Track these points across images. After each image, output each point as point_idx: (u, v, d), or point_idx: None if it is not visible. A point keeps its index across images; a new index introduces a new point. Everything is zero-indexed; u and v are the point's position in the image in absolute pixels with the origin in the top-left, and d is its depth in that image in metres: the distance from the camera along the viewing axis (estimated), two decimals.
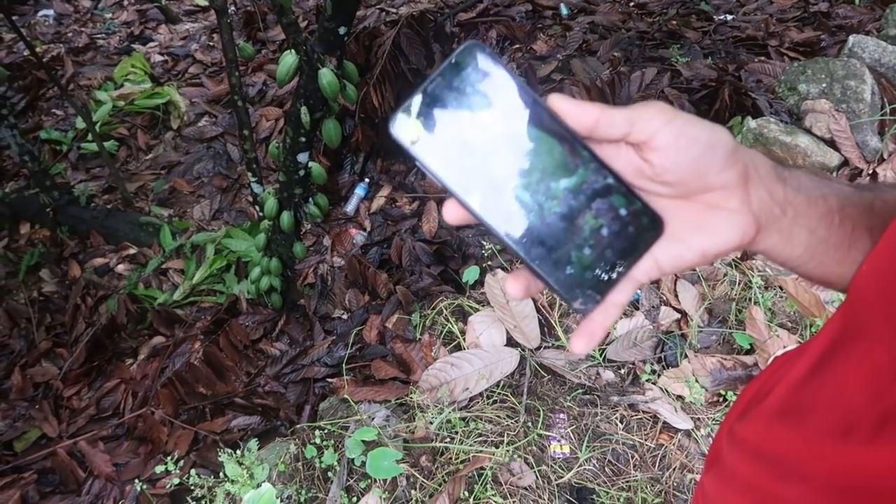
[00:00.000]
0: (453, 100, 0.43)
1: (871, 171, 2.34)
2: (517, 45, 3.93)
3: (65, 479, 2.37)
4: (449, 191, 0.43)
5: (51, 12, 5.01)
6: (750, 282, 2.02)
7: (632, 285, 0.47)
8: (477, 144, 0.43)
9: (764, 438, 0.52)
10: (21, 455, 2.46)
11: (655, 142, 0.43)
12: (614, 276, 0.45)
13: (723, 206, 0.46)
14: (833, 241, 0.49)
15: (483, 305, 2.04)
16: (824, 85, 2.56)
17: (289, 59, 2.10)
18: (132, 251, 3.33)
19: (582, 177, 0.44)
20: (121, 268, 3.27)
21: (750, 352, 1.89)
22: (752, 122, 2.43)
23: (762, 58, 3.46)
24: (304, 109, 2.20)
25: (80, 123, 3.82)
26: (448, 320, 2.03)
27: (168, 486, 1.83)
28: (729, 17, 3.96)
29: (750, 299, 1.99)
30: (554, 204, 0.44)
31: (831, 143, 2.40)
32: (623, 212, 0.45)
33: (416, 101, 0.43)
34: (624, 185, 0.45)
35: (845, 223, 0.48)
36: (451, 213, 0.45)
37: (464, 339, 1.96)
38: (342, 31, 2.07)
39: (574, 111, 0.43)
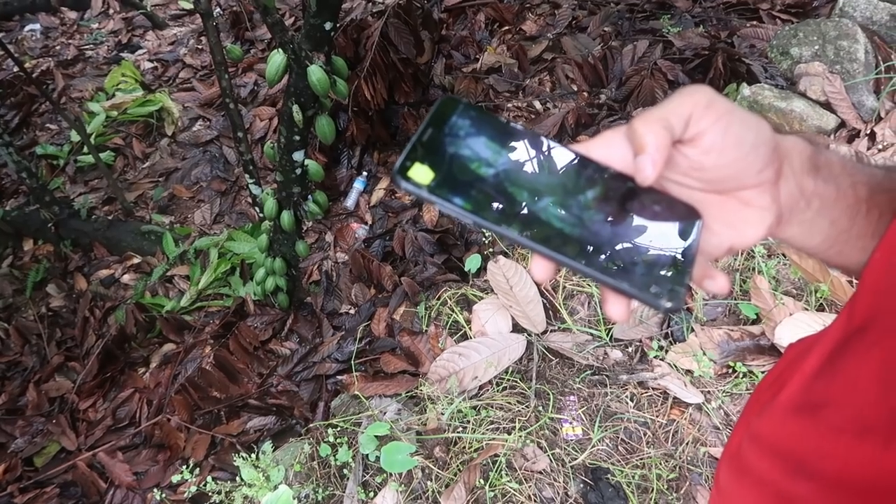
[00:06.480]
0: (449, 142, 0.43)
1: (868, 132, 2.32)
2: (506, 27, 3.90)
3: (87, 490, 2.40)
4: (480, 225, 0.42)
5: (37, 26, 4.99)
6: (753, 251, 2.02)
7: None
8: (488, 176, 0.43)
9: (779, 433, 0.51)
10: (42, 470, 2.48)
11: (702, 142, 0.43)
12: (682, 267, 0.43)
13: (754, 204, 0.45)
14: (856, 230, 0.48)
15: (487, 293, 2.04)
16: (817, 47, 2.53)
17: (277, 58, 2.09)
18: (136, 260, 3.34)
19: (605, 185, 0.44)
20: (126, 278, 3.28)
21: (756, 321, 1.88)
22: (746, 90, 2.41)
23: (754, 22, 3.42)
24: (295, 108, 2.19)
25: (75, 136, 3.82)
26: (453, 310, 2.04)
27: (185, 493, 1.84)
28: None
29: (754, 269, 1.98)
30: (591, 214, 0.43)
31: (827, 106, 2.38)
32: (658, 208, 0.45)
33: (415, 151, 0.43)
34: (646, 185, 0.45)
35: (872, 212, 0.47)
36: (539, 268, 0.43)
37: (470, 328, 1.97)
38: (328, 26, 2.06)
39: (661, 147, 0.42)
